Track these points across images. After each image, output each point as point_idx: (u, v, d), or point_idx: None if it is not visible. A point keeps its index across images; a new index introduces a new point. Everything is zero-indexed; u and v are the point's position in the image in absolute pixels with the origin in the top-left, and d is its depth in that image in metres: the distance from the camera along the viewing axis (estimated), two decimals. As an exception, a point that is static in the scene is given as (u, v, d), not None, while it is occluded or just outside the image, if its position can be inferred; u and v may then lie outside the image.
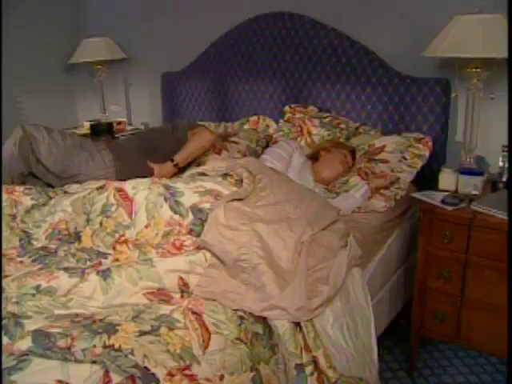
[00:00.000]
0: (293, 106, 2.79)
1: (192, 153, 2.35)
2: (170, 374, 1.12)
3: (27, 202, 1.93)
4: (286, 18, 2.78)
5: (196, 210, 1.60)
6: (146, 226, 1.62)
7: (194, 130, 2.44)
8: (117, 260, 1.59)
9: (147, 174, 2.17)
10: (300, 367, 1.39)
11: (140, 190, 1.70)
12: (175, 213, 1.61)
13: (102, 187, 1.77)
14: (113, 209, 1.67)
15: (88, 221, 1.70)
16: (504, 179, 2.12)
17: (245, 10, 2.95)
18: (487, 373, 2.23)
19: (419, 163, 2.29)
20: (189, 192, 1.65)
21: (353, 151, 2.41)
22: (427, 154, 2.30)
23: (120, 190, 1.72)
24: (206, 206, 1.60)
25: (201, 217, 1.58)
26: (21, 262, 1.63)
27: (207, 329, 1.25)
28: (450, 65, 2.29)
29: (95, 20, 3.78)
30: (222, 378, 1.20)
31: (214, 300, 1.36)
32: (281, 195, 1.75)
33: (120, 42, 3.59)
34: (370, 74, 2.55)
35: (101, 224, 1.68)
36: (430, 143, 2.32)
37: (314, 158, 2.45)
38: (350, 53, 2.59)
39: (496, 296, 1.91)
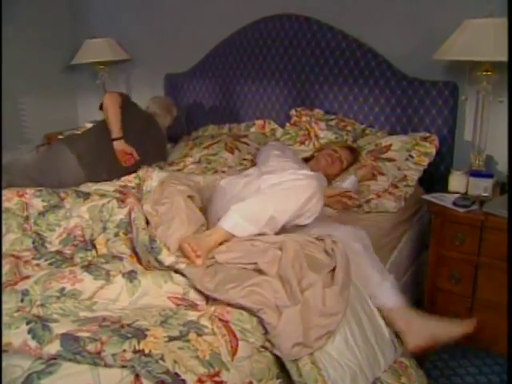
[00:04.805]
0: (298, 109, 2.80)
1: (116, 121, 2.51)
2: (200, 381, 1.11)
3: (38, 204, 1.93)
4: (293, 20, 2.78)
5: (173, 270, 1.53)
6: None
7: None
8: (131, 257, 1.61)
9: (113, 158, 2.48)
10: None
11: (134, 227, 1.68)
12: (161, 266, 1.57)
13: (122, 201, 1.80)
14: (130, 229, 1.70)
15: (104, 229, 1.71)
16: (513, 181, 2.14)
17: (251, 12, 2.94)
18: (495, 373, 2.23)
19: (426, 161, 2.31)
20: (165, 251, 1.57)
21: (349, 148, 2.41)
22: (434, 151, 2.32)
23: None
24: (182, 266, 1.51)
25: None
26: (37, 264, 1.62)
27: (235, 335, 1.24)
28: (458, 68, 2.31)
29: (98, 20, 3.76)
30: (250, 384, 1.20)
31: (240, 308, 1.33)
32: None
33: (123, 42, 3.57)
34: (377, 76, 2.56)
35: (116, 235, 1.70)
36: (437, 141, 2.34)
37: (307, 159, 2.45)
38: (358, 55, 2.60)
39: (507, 297, 1.92)
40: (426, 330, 1.65)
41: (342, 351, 1.37)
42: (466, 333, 1.68)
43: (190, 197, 1.81)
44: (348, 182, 2.15)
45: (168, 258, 1.52)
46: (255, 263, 1.48)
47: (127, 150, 2.51)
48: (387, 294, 1.67)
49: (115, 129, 2.51)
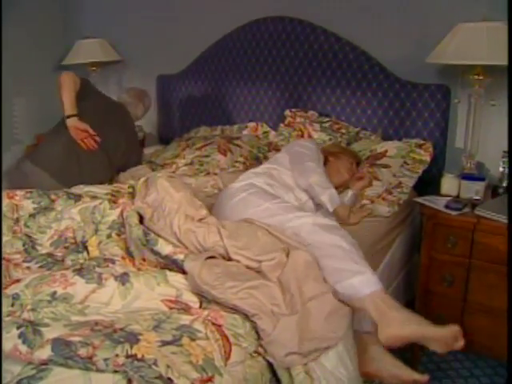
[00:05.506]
0: (293, 110, 2.79)
1: (69, 97, 2.37)
2: (193, 386, 1.10)
3: (28, 206, 1.91)
4: (286, 23, 2.78)
5: (170, 260, 1.53)
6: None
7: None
8: (123, 259, 1.59)
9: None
10: None
11: (127, 225, 1.67)
12: (156, 258, 1.57)
13: (114, 202, 1.78)
14: (124, 230, 1.69)
15: (96, 231, 1.69)
16: (504, 184, 2.16)
17: (244, 14, 2.93)
18: (487, 375, 2.25)
19: (420, 168, 2.31)
20: (162, 241, 1.57)
21: (359, 163, 2.40)
22: (428, 159, 2.32)
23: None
24: (180, 256, 1.51)
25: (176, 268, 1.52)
26: (27, 267, 1.60)
27: (228, 339, 1.23)
28: (451, 71, 2.32)
29: (90, 21, 3.73)
30: (243, 389, 1.19)
31: (233, 313, 1.33)
32: None
33: (114, 43, 3.55)
34: (370, 79, 2.57)
35: (108, 236, 1.68)
36: (431, 149, 2.34)
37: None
38: (351, 58, 2.60)
39: (499, 300, 1.93)
40: (401, 322, 1.47)
41: (335, 364, 1.34)
42: (453, 336, 1.50)
43: (170, 176, 1.84)
44: (348, 197, 2.14)
45: (166, 248, 1.52)
46: (259, 261, 1.47)
47: (80, 126, 2.36)
48: (364, 280, 1.52)
49: (68, 105, 2.36)
